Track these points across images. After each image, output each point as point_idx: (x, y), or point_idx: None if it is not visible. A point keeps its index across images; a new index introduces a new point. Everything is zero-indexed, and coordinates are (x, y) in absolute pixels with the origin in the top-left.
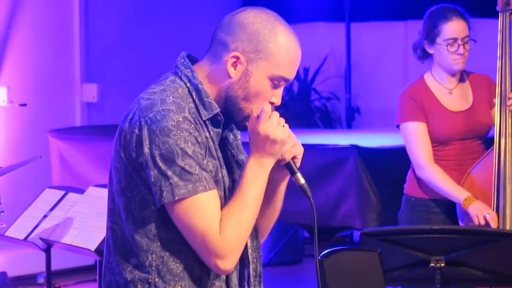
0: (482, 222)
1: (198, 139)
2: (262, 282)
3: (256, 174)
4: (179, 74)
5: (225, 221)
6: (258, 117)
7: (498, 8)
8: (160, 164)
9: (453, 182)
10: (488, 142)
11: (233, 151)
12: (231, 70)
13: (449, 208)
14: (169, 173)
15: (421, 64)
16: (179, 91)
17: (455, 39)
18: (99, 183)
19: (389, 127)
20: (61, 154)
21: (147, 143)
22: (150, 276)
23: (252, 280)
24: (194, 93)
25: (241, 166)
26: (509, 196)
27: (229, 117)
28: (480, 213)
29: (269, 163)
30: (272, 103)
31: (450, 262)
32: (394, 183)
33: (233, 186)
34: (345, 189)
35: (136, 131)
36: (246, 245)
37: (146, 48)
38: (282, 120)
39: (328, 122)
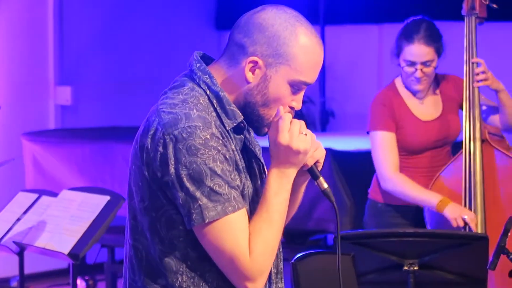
0: (461, 224)
1: (227, 156)
2: (283, 278)
3: (280, 186)
4: (197, 81)
5: (254, 241)
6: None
7: (463, 12)
8: (188, 185)
9: (422, 188)
10: (454, 146)
11: (253, 152)
12: (249, 75)
13: (417, 213)
14: (198, 194)
15: (396, 67)
16: (201, 101)
17: (413, 63)
18: (72, 186)
19: (363, 131)
20: (35, 157)
21: (173, 162)
22: None
23: (273, 277)
24: (214, 101)
25: (260, 164)
26: (479, 200)
27: (248, 123)
28: (458, 215)
29: (292, 173)
30: (292, 108)
31: (424, 265)
32: (368, 186)
33: (255, 192)
34: (319, 192)
35: (160, 149)
36: None
37: (121, 51)
38: (304, 128)
39: None
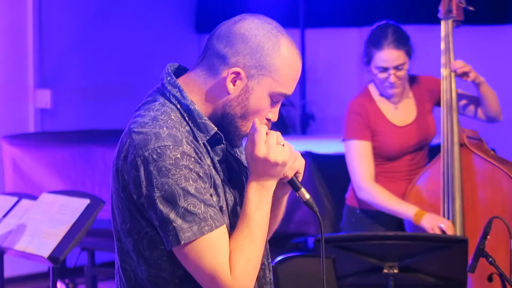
0: (438, 233)
1: (200, 173)
2: None
3: (260, 199)
4: (167, 95)
5: (234, 258)
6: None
7: (440, 15)
8: (161, 207)
9: (398, 200)
10: (431, 151)
11: (240, 161)
12: (230, 86)
13: (395, 220)
14: (172, 216)
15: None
16: (172, 117)
17: (385, 68)
18: (52, 190)
19: (343, 134)
20: (14, 161)
21: (145, 184)
22: None
23: None
24: (185, 115)
25: (248, 172)
26: (458, 204)
27: (224, 133)
28: (435, 224)
29: (272, 185)
30: (268, 120)
31: (404, 268)
32: (346, 191)
33: (239, 203)
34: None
35: (133, 171)
36: None
37: (101, 55)
38: (281, 139)
39: (283, 129)
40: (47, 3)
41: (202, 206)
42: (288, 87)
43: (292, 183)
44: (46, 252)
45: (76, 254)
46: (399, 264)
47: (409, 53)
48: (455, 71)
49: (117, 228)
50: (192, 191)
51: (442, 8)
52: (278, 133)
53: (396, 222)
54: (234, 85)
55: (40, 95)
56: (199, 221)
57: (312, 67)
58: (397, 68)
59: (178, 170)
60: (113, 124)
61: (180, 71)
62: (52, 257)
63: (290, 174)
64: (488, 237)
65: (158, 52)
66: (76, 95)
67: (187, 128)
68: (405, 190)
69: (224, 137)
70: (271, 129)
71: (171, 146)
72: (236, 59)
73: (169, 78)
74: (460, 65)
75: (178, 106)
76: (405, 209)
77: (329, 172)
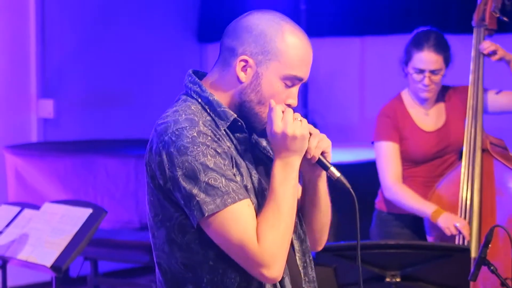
0: (454, 232)
1: (218, 150)
2: (317, 287)
3: (284, 175)
4: (189, 92)
5: (261, 228)
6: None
7: (473, 23)
8: (184, 184)
9: (420, 198)
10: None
11: (268, 154)
12: (241, 74)
13: (417, 223)
14: (195, 191)
15: (378, 80)
16: (192, 108)
17: (421, 70)
18: (55, 199)
19: (345, 143)
20: (17, 171)
21: (168, 166)
22: None
23: (305, 286)
24: (206, 107)
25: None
26: (476, 209)
27: (247, 123)
28: (451, 223)
29: (295, 161)
30: (288, 105)
31: (406, 277)
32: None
33: (268, 184)
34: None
35: (157, 157)
36: (294, 249)
37: (104, 64)
38: (298, 115)
39: None
40: (49, 13)
41: (224, 180)
42: (299, 69)
43: (320, 163)
44: (48, 261)
45: (79, 264)
46: (401, 273)
47: (447, 61)
48: (483, 52)
49: (151, 224)
50: (211, 165)
51: (475, 16)
52: (291, 110)
53: (420, 225)
54: (245, 73)
55: (43, 105)
56: (222, 194)
57: (314, 77)
58: (433, 72)
59: (195, 147)
60: (115, 133)
61: (199, 75)
62: (55, 267)
63: (316, 154)
64: (489, 245)
65: (160, 62)
66: (79, 105)
67: (209, 118)
68: (425, 196)
69: (247, 126)
70: None
71: (187, 127)
72: (243, 48)
73: (190, 78)
74: (487, 45)
75: (199, 100)
76: (425, 207)
77: (331, 181)
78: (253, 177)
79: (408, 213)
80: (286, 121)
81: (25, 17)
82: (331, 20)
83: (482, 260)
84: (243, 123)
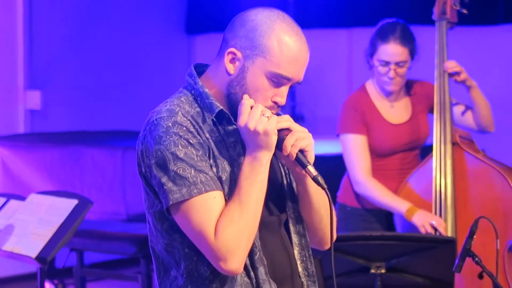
0: (430, 230)
1: (191, 141)
2: (316, 282)
3: (250, 169)
4: (186, 85)
5: (221, 222)
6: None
7: (434, 17)
8: (156, 172)
9: (392, 195)
10: (423, 150)
11: None
12: (229, 66)
13: (386, 217)
14: (164, 179)
15: (366, 71)
16: (182, 99)
17: (387, 62)
18: (41, 190)
19: (333, 135)
20: (4, 161)
21: (146, 154)
22: (184, 284)
23: (304, 280)
24: (198, 99)
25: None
26: (450, 203)
27: (234, 114)
28: (426, 221)
29: (262, 156)
30: (275, 103)
31: (391, 268)
32: (336, 190)
33: None
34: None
35: (140, 145)
36: (292, 242)
37: (91, 56)
38: (268, 111)
39: None
40: (37, 5)
41: (193, 170)
42: (285, 69)
43: (298, 160)
44: (34, 252)
45: (65, 255)
46: (386, 265)
47: (412, 53)
48: (446, 71)
49: (145, 211)
50: (181, 155)
51: (436, 10)
52: (266, 109)
53: (386, 221)
54: (233, 66)
55: (30, 96)
56: (189, 185)
57: None
58: (398, 64)
59: (168, 137)
60: (102, 125)
61: (205, 68)
62: (40, 258)
63: (293, 152)
64: (474, 236)
65: (148, 54)
66: (66, 96)
67: (198, 109)
68: (397, 189)
69: (237, 118)
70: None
71: (165, 117)
72: (234, 41)
73: (189, 71)
74: (452, 65)
75: (192, 92)
76: (398, 204)
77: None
78: (235, 168)
79: (374, 208)
80: (251, 115)
81: (12, 8)
82: (319, 11)
83: (467, 252)
84: (230, 115)
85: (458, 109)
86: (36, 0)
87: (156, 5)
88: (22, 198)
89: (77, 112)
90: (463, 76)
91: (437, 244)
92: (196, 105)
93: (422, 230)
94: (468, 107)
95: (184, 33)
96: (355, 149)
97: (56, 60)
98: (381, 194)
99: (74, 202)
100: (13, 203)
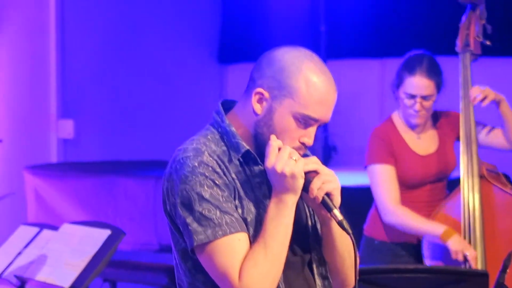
0: (461, 259)
1: (217, 181)
2: None
3: (276, 211)
4: (212, 122)
5: (245, 264)
6: None
7: (457, 49)
8: (181, 212)
9: (424, 219)
10: (449, 183)
11: None
12: (256, 106)
13: (414, 250)
14: (189, 220)
15: (397, 101)
16: (208, 137)
17: (413, 95)
18: (74, 220)
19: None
20: (37, 191)
21: (172, 193)
22: None
23: None
24: (224, 137)
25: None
26: (479, 236)
27: (261, 154)
28: (461, 249)
29: (288, 198)
30: (302, 143)
31: None
32: (363, 223)
33: None
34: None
35: (166, 183)
36: (316, 284)
37: (123, 84)
38: (295, 154)
39: None
40: (69, 33)
41: (218, 212)
42: (313, 110)
43: (324, 203)
44: (67, 283)
45: (98, 285)
46: None
47: (439, 86)
48: (472, 102)
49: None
50: (207, 196)
51: (459, 42)
52: (293, 150)
53: (414, 253)
54: (261, 106)
55: (63, 125)
56: (214, 226)
57: None
58: (424, 97)
59: (194, 176)
60: (135, 155)
61: (232, 104)
62: None
63: (319, 195)
64: (507, 270)
65: (181, 82)
66: (99, 125)
67: (224, 148)
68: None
69: (262, 158)
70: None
71: (191, 156)
72: (262, 81)
73: (216, 108)
74: (475, 93)
75: (219, 130)
76: (434, 227)
77: (353, 205)
78: (261, 210)
79: (402, 241)
80: (279, 157)
81: (45, 37)
82: (351, 41)
83: (501, 286)
84: (256, 155)
85: (485, 131)
86: (69, 29)
87: (189, 34)
88: (55, 228)
89: (109, 141)
90: (490, 97)
91: (470, 277)
92: (222, 143)
93: (454, 256)
94: (493, 127)
95: (216, 62)
96: (384, 179)
97: (88, 89)
98: (413, 219)
99: (107, 232)
100: (46, 233)
